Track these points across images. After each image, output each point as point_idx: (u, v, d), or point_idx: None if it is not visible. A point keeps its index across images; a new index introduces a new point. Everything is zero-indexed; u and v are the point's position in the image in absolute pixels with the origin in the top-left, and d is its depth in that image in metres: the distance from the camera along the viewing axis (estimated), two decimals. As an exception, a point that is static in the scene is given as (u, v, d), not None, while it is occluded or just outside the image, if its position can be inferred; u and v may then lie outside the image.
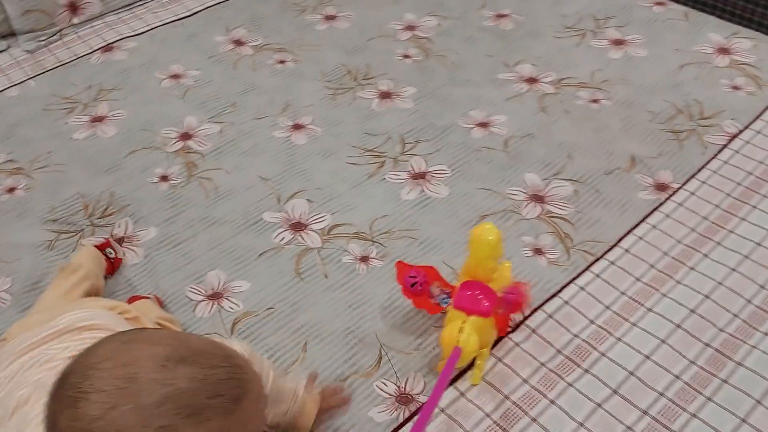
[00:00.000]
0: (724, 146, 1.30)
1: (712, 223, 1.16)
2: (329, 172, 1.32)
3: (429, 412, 0.82)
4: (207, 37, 1.69)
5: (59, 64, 1.63)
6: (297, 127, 1.42)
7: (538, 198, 1.23)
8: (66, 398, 0.54)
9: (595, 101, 1.43)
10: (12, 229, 1.24)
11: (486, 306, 0.94)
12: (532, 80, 1.50)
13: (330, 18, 1.74)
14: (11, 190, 1.32)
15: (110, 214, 1.25)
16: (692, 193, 1.21)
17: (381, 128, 1.41)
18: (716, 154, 1.29)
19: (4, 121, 1.48)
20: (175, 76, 1.57)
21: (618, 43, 1.59)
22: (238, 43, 1.67)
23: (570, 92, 1.46)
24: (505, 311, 0.97)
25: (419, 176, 1.29)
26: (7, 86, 1.57)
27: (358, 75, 1.55)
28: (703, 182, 1.23)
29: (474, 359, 0.96)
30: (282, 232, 1.21)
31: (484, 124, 1.40)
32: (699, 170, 1.26)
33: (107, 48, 1.66)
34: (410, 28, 1.69)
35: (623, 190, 1.24)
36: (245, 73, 1.57)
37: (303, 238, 1.19)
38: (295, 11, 1.77)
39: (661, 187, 1.24)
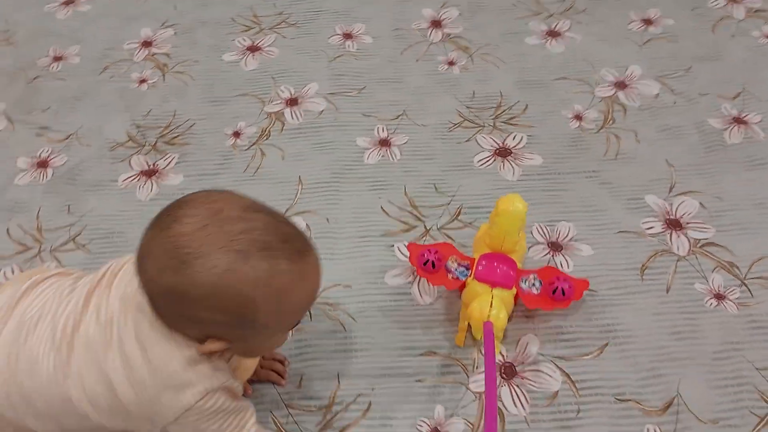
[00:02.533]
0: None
1: None
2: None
3: (493, 397, 0.81)
4: (417, 5, 1.56)
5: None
6: (384, 143, 1.27)
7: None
8: (162, 222, 0.65)
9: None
10: (112, 114, 1.35)
11: (511, 277, 0.92)
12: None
13: (551, 34, 1.46)
14: (142, 81, 1.43)
15: (174, 144, 1.30)
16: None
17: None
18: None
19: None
20: (347, 35, 1.50)
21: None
22: (436, 24, 1.51)
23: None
24: (549, 300, 0.93)
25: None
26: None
27: (478, 120, 1.30)
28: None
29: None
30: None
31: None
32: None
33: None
34: (619, 85, 1.34)
35: None
36: (404, 62, 1.43)
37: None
38: (525, 11, 1.52)
39: None
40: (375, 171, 1.22)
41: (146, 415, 0.71)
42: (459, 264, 0.97)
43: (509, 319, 0.94)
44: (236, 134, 1.31)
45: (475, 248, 1.00)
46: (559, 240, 1.09)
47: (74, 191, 1.22)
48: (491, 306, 0.88)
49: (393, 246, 1.11)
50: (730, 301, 1.00)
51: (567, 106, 1.32)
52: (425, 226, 1.13)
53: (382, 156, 1.25)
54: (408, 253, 1.01)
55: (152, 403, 0.70)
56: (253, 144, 1.29)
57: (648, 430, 0.88)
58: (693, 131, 1.25)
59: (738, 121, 1.25)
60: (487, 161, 1.23)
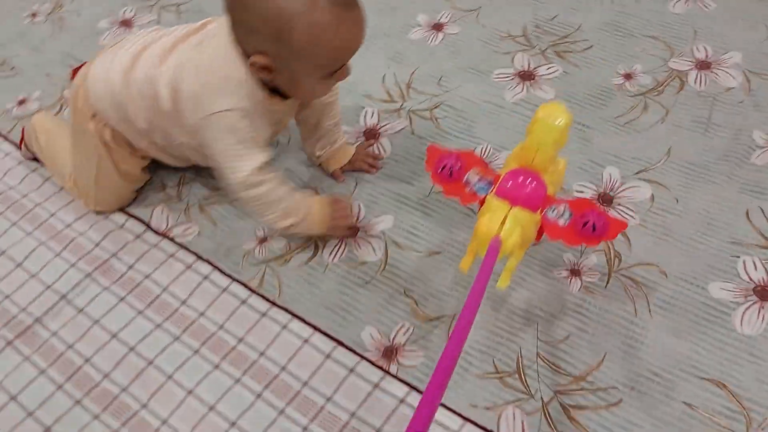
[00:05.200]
0: None
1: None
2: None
3: (473, 308, 0.70)
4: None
5: None
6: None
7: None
8: None
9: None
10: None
11: (537, 198, 0.79)
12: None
13: (684, -7, 1.32)
14: None
15: None
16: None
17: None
18: None
19: None
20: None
21: None
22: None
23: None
24: (576, 234, 0.80)
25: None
26: None
27: (531, 42, 1.26)
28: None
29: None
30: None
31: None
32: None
33: None
34: (701, 65, 1.21)
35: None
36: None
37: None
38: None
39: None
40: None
41: (189, 107, 0.86)
42: (481, 178, 0.84)
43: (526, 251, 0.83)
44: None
45: (505, 166, 0.86)
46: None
47: None
48: (503, 223, 0.76)
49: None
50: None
51: (628, 63, 1.23)
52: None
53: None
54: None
55: (196, 96, 0.85)
56: None
57: None
58: (725, 134, 1.10)
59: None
60: (505, 78, 1.22)
